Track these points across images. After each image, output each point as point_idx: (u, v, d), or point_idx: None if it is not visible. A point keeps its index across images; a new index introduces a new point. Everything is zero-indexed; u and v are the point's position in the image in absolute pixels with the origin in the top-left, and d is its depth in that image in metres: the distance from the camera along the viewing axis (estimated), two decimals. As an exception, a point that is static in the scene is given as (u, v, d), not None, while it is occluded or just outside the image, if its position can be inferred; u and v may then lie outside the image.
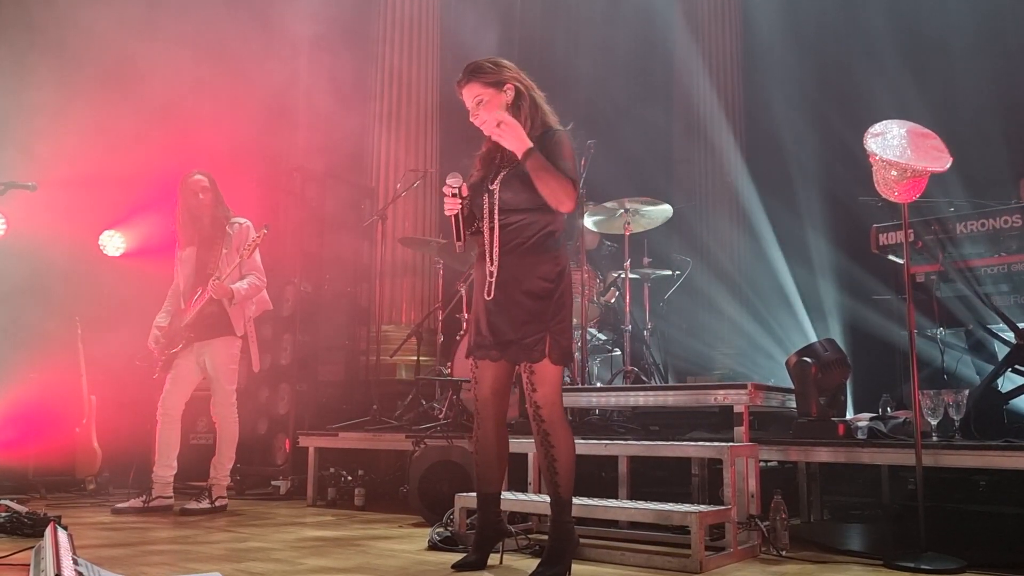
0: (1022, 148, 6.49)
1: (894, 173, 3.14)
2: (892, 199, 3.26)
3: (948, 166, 3.17)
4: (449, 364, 5.35)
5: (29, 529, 3.64)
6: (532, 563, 2.96)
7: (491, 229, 2.97)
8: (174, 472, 4.81)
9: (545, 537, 3.13)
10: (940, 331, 4.34)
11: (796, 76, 8.18)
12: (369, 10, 7.44)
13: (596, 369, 6.16)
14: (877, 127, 3.28)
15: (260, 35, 6.78)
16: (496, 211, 2.97)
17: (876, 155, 3.18)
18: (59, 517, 3.65)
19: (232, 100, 6.45)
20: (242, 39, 6.49)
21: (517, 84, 2.99)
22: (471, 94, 3.02)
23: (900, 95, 7.27)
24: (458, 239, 3.00)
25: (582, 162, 5.17)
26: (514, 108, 2.97)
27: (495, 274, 2.95)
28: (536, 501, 3.53)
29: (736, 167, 8.58)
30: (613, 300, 5.89)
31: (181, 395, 4.85)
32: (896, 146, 3.17)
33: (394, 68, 7.27)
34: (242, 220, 4.95)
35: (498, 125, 2.90)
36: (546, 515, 3.64)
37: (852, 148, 3.51)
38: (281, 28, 7.14)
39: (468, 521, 3.71)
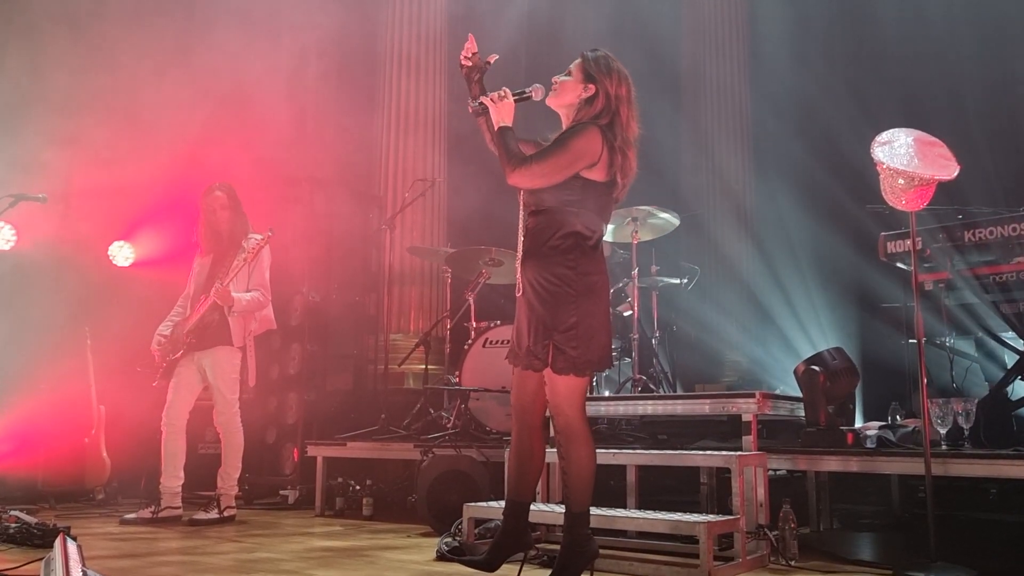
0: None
1: (901, 182, 3.14)
2: (900, 207, 3.26)
3: (956, 174, 3.16)
4: (457, 373, 5.35)
5: (39, 540, 3.65)
6: (541, 573, 2.95)
7: (520, 229, 3.01)
8: (181, 482, 4.82)
9: (556, 547, 3.12)
10: (949, 339, 4.32)
11: (804, 82, 8.17)
12: (377, 20, 7.48)
13: (604, 378, 6.15)
14: (884, 135, 3.28)
15: (269, 47, 6.82)
16: (521, 210, 3.01)
17: (883, 164, 3.18)
18: (68, 528, 3.66)
19: (241, 111, 6.48)
20: (251, 51, 6.52)
21: (601, 90, 2.99)
22: (571, 64, 3.08)
23: (910, 99, 7.27)
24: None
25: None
26: (584, 103, 3.01)
27: (519, 274, 2.97)
28: (544, 511, 3.53)
29: (744, 174, 8.57)
30: (628, 313, 5.85)
31: (184, 405, 4.85)
32: (903, 155, 3.16)
33: (402, 78, 7.30)
34: (259, 236, 4.97)
35: (499, 99, 2.98)
36: (554, 525, 3.65)
37: (861, 155, 3.50)
38: (290, 40, 7.18)
39: (476, 531, 3.72)
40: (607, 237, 5.84)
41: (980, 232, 3.89)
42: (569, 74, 3.04)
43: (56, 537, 3.09)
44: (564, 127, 3.05)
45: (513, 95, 2.99)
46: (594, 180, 2.92)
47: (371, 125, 7.34)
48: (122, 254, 6.71)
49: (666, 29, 8.93)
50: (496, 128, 2.98)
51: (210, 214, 4.96)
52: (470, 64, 3.08)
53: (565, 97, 3.03)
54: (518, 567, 3.15)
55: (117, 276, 6.58)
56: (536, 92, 3.04)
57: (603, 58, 3.04)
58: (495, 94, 2.99)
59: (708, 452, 3.67)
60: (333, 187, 6.80)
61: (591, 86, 3.00)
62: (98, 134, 5.96)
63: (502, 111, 2.97)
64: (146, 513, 4.70)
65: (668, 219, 5.70)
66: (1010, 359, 4.14)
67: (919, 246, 3.79)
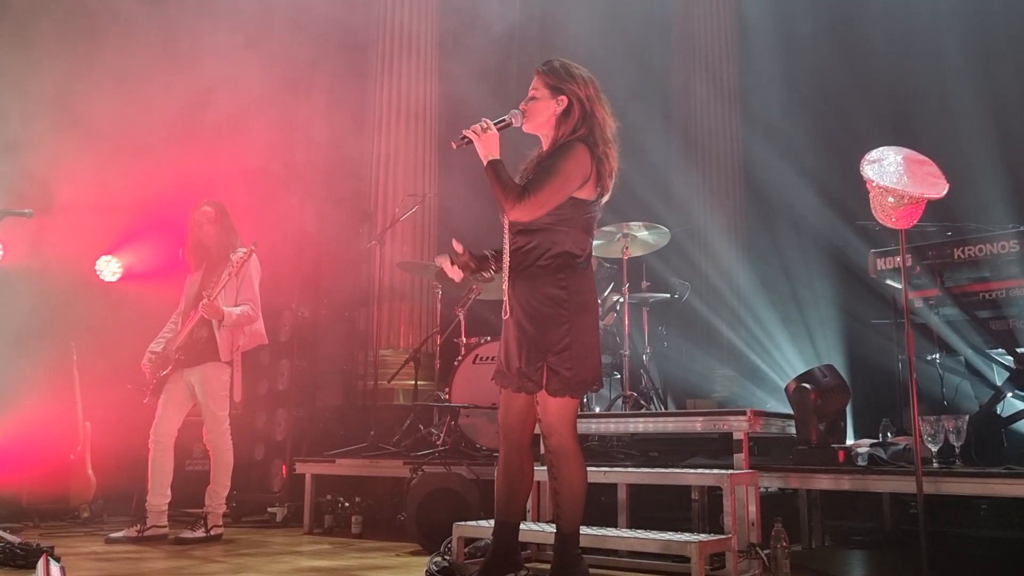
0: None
1: (891, 200, 3.14)
2: (890, 225, 3.26)
3: (945, 192, 3.17)
4: (447, 389, 5.33)
5: (22, 560, 3.60)
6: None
7: (505, 248, 2.97)
8: (168, 500, 4.75)
9: (546, 566, 3.09)
10: (939, 356, 4.32)
11: (794, 99, 8.22)
12: (369, 34, 7.49)
13: (594, 394, 6.13)
14: (873, 154, 3.29)
15: (260, 61, 6.81)
16: (506, 230, 2.98)
17: (873, 182, 3.18)
18: (52, 548, 3.62)
19: (231, 125, 6.46)
20: (242, 65, 6.51)
21: (572, 98, 2.95)
22: (532, 84, 3.02)
23: (899, 117, 7.31)
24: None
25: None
26: (561, 118, 2.96)
27: (507, 294, 2.94)
28: (534, 530, 3.50)
29: (734, 190, 8.59)
30: (611, 324, 5.87)
31: (172, 422, 4.80)
32: (892, 173, 3.17)
33: (393, 93, 7.31)
34: (245, 249, 4.93)
35: (483, 131, 2.92)
36: (544, 544, 3.62)
37: (851, 172, 3.51)
38: (282, 54, 7.17)
39: (466, 550, 3.68)
40: (594, 252, 5.83)
41: (969, 249, 3.90)
42: (534, 96, 3.00)
43: (39, 557, 3.04)
44: (545, 147, 3.02)
45: (495, 125, 2.95)
46: (582, 199, 2.91)
47: (362, 140, 7.33)
48: (109, 269, 6.67)
49: (656, 46, 8.98)
50: (486, 163, 2.91)
51: (198, 229, 4.94)
52: (464, 264, 3.03)
53: (539, 118, 2.99)
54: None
55: (104, 291, 6.54)
56: (515, 118, 3.00)
57: (561, 66, 3.00)
58: (477, 127, 2.93)
59: (699, 471, 3.65)
60: (323, 202, 6.79)
61: (562, 98, 2.96)
62: (85, 147, 5.93)
63: (488, 144, 2.91)
64: (132, 532, 4.63)
65: (658, 235, 5.70)
66: (1000, 376, 4.14)
67: (909, 263, 3.80)
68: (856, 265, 5.41)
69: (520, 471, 3.02)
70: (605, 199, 3.00)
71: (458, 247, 3.03)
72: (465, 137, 2.95)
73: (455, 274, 3.05)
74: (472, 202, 6.28)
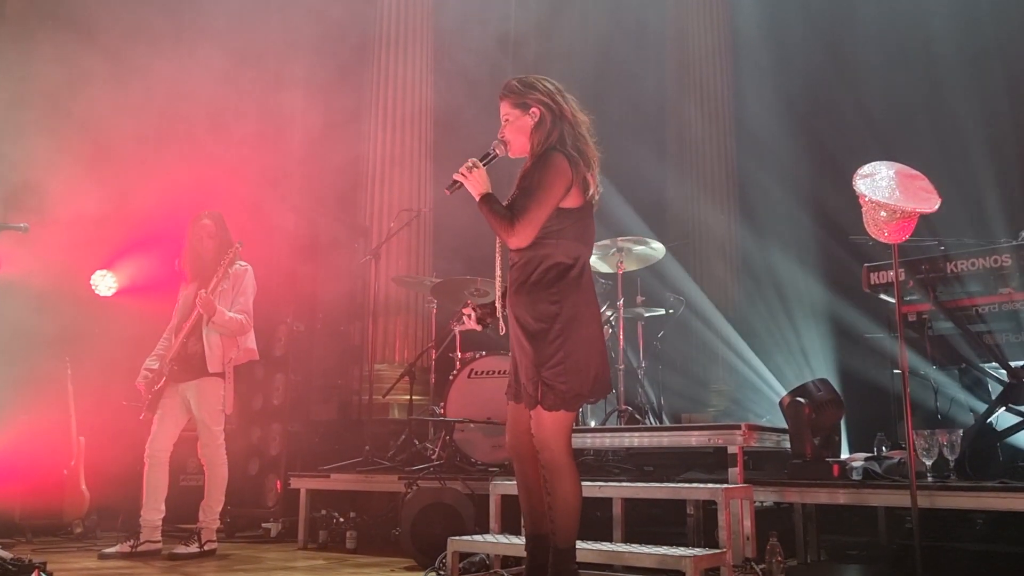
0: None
1: (883, 214, 3.17)
2: (882, 240, 3.28)
3: (937, 207, 3.19)
4: (442, 404, 5.32)
5: (14, 576, 3.57)
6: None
7: (497, 265, 2.99)
8: (162, 516, 4.73)
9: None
10: (933, 370, 4.33)
11: (787, 113, 8.27)
12: (364, 49, 7.52)
13: (590, 408, 6.13)
14: (866, 168, 3.31)
15: (254, 75, 6.83)
16: (498, 245, 3.00)
17: (865, 196, 3.21)
18: (44, 563, 3.59)
19: (226, 140, 6.47)
20: (236, 79, 6.53)
21: (543, 107, 2.96)
22: (502, 111, 3.05)
23: (892, 129, 7.36)
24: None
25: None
26: (536, 129, 2.98)
27: (502, 311, 2.96)
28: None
29: (729, 205, 8.63)
30: (606, 338, 5.87)
31: (168, 437, 4.78)
32: (885, 187, 3.20)
33: (389, 108, 7.34)
34: (243, 263, 4.94)
35: (469, 170, 2.94)
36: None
37: (844, 186, 3.53)
38: (276, 68, 7.20)
39: (461, 565, 3.67)
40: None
41: (962, 264, 3.91)
42: (507, 120, 3.02)
43: (32, 573, 3.03)
44: (528, 161, 3.03)
45: (481, 161, 2.97)
46: (568, 207, 2.91)
47: (357, 154, 7.35)
48: (104, 283, 6.65)
49: (650, 58, 9.04)
50: (478, 200, 2.94)
51: (196, 242, 4.94)
52: (480, 318, 3.14)
53: (520, 139, 3.01)
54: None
55: (99, 306, 6.52)
56: (499, 148, 3.03)
57: (519, 82, 3.03)
58: (464, 168, 2.95)
59: (694, 485, 3.65)
60: (319, 216, 6.80)
61: (534, 110, 2.97)
62: (80, 161, 5.94)
63: (477, 182, 2.94)
64: (125, 547, 4.61)
65: (653, 249, 5.72)
66: (994, 390, 4.16)
67: (902, 278, 3.82)
68: (849, 279, 5.43)
69: (538, 483, 2.98)
70: (594, 194, 2.98)
71: (467, 310, 3.15)
72: (456, 182, 2.97)
73: (474, 326, 3.14)
74: (468, 214, 6.29)
